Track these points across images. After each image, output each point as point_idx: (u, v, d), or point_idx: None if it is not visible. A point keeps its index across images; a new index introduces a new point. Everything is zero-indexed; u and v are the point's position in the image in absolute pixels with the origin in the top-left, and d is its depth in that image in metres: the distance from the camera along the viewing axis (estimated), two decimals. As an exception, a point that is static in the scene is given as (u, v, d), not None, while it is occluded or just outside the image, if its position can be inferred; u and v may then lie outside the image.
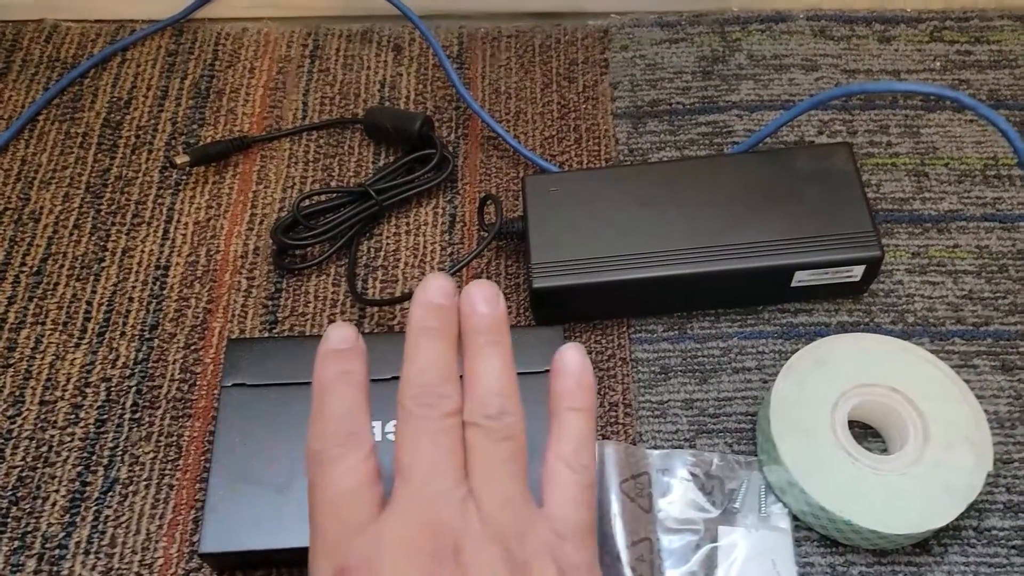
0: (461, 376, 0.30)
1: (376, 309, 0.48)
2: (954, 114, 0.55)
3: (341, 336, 0.30)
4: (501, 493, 0.28)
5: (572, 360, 0.31)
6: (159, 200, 0.52)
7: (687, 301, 0.47)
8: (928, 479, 0.40)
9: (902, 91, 0.44)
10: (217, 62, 0.57)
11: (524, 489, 0.28)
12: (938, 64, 0.57)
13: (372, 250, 0.50)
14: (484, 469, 0.28)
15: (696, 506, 0.42)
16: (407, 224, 0.51)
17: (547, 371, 0.42)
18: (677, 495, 0.42)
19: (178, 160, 0.51)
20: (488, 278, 0.49)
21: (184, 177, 0.53)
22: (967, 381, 0.45)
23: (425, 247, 0.50)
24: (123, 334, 0.47)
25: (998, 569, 0.40)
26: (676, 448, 0.44)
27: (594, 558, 0.29)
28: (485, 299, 0.30)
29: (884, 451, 0.43)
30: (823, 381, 0.42)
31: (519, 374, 0.39)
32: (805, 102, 0.46)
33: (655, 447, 0.44)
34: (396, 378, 0.42)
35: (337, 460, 0.28)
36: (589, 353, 0.46)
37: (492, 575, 0.26)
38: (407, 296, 0.47)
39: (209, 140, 0.54)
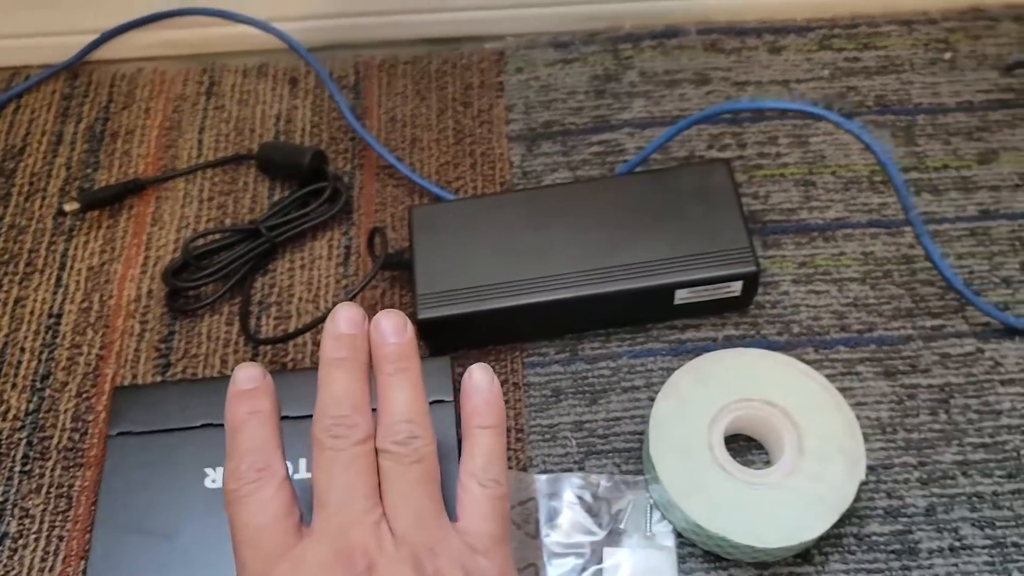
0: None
1: (269, 347, 0.48)
2: (842, 121, 0.55)
3: (248, 376, 0.32)
4: (413, 513, 0.29)
5: (479, 379, 0.33)
6: (52, 247, 0.52)
7: (575, 323, 0.48)
8: (803, 491, 0.40)
9: (763, 109, 0.45)
10: (112, 104, 0.57)
11: (436, 507, 0.30)
12: (827, 72, 0.58)
13: (266, 287, 0.50)
14: (396, 492, 0.30)
15: (582, 529, 0.42)
16: (301, 259, 0.51)
17: (435, 402, 0.43)
18: (564, 519, 0.43)
19: (67, 207, 0.51)
20: (382, 308, 0.50)
21: (78, 222, 0.53)
22: (850, 388, 0.46)
23: (320, 280, 0.51)
24: (14, 385, 0.47)
25: (876, 574, 0.41)
26: (566, 471, 0.44)
27: (506, 568, 0.31)
28: (394, 329, 0.32)
29: (768, 463, 0.44)
30: (703, 398, 0.43)
31: None
32: (679, 123, 0.47)
33: (545, 471, 0.44)
34: (284, 418, 0.43)
35: (252, 495, 0.30)
36: (481, 380, 0.47)
37: None
38: (299, 332, 0.47)
39: (103, 183, 0.54)
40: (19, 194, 0.54)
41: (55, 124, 0.57)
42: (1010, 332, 0.47)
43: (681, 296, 0.46)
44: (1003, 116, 0.55)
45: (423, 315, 0.45)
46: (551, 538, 0.42)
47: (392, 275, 0.51)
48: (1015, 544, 0.41)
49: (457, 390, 0.46)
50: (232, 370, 0.46)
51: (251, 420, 0.31)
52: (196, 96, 0.58)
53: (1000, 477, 0.43)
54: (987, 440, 0.44)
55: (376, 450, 0.31)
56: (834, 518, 0.40)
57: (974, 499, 0.43)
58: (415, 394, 0.31)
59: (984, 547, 0.41)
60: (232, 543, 0.30)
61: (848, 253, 0.51)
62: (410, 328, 0.32)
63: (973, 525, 0.42)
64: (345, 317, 0.32)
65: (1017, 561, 0.41)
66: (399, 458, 0.30)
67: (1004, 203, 0.52)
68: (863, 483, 0.41)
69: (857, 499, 0.42)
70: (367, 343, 0.32)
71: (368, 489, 0.30)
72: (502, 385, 0.47)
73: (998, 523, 0.42)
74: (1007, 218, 0.51)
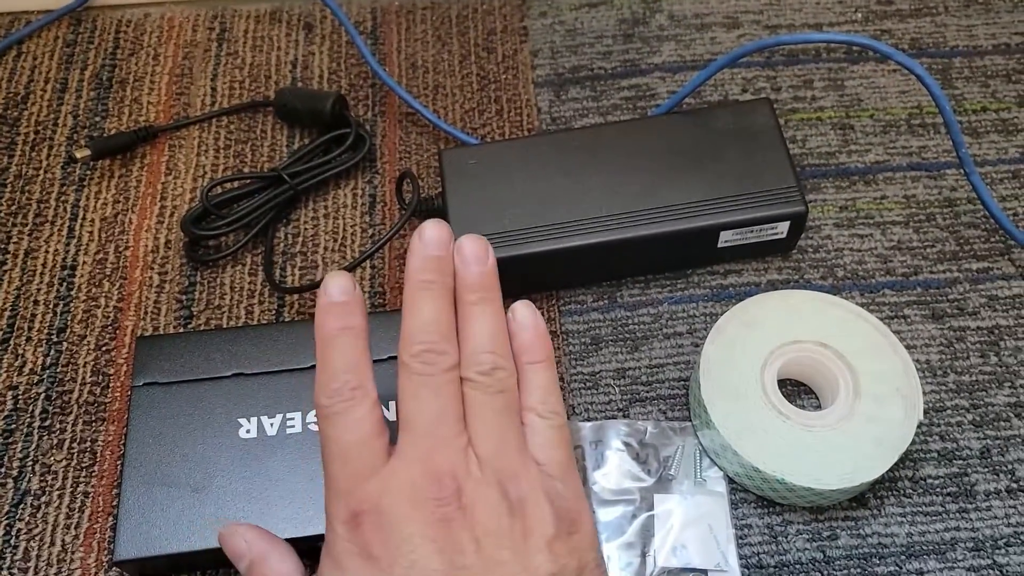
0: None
1: (296, 297, 0.46)
2: (877, 65, 0.54)
3: (340, 287, 0.30)
4: (497, 440, 0.30)
5: (523, 316, 0.32)
6: (62, 197, 0.50)
7: (614, 269, 0.46)
8: (860, 433, 0.39)
9: (818, 42, 0.43)
10: (119, 51, 0.55)
11: (519, 437, 0.30)
12: (859, 15, 0.56)
13: (290, 236, 0.48)
14: (480, 420, 0.30)
15: (631, 476, 0.41)
16: (325, 207, 0.49)
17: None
18: (611, 466, 0.41)
19: (78, 154, 0.49)
20: (411, 258, 0.48)
21: (88, 172, 0.50)
22: (898, 332, 0.45)
23: (345, 230, 0.49)
24: (29, 339, 0.45)
25: (933, 517, 0.40)
26: (610, 419, 0.43)
27: (580, 490, 0.31)
28: (476, 256, 0.31)
29: (817, 407, 0.43)
30: (752, 341, 0.42)
31: None
32: (721, 59, 0.45)
33: (588, 419, 0.43)
34: (312, 367, 0.41)
35: (345, 413, 0.29)
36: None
37: (492, 513, 0.28)
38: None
39: (113, 132, 0.52)
40: (24, 143, 0.51)
41: (59, 71, 0.54)
42: (1058, 273, 0.46)
43: (726, 238, 0.45)
44: (1041, 58, 0.54)
45: (459, 260, 0.43)
46: (599, 485, 0.41)
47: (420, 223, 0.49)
48: (1073, 485, 0.41)
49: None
50: (257, 319, 0.44)
51: (343, 336, 0.30)
52: (207, 42, 0.55)
53: (1055, 418, 0.42)
54: (1039, 382, 0.43)
55: (460, 379, 0.31)
56: (893, 459, 0.38)
57: (1029, 441, 0.42)
58: (498, 325, 0.31)
59: (1042, 488, 0.41)
60: (322, 458, 0.30)
61: (890, 196, 0.49)
62: (492, 255, 0.32)
63: (1030, 467, 0.41)
64: (434, 237, 0.31)
65: (1076, 502, 0.40)
66: (484, 387, 0.30)
67: (1046, 145, 0.51)
68: (917, 426, 0.40)
69: (911, 442, 0.41)
70: (451, 267, 0.31)
71: (455, 415, 0.30)
72: (540, 333, 0.45)
73: (1055, 464, 0.41)
74: (1049, 160, 0.50)
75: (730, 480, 0.41)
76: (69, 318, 0.46)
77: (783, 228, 0.45)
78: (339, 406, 0.29)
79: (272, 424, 0.40)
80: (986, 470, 0.41)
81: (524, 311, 0.32)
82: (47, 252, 0.48)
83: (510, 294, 0.46)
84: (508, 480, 0.29)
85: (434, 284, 0.30)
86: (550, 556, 0.28)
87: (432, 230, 0.31)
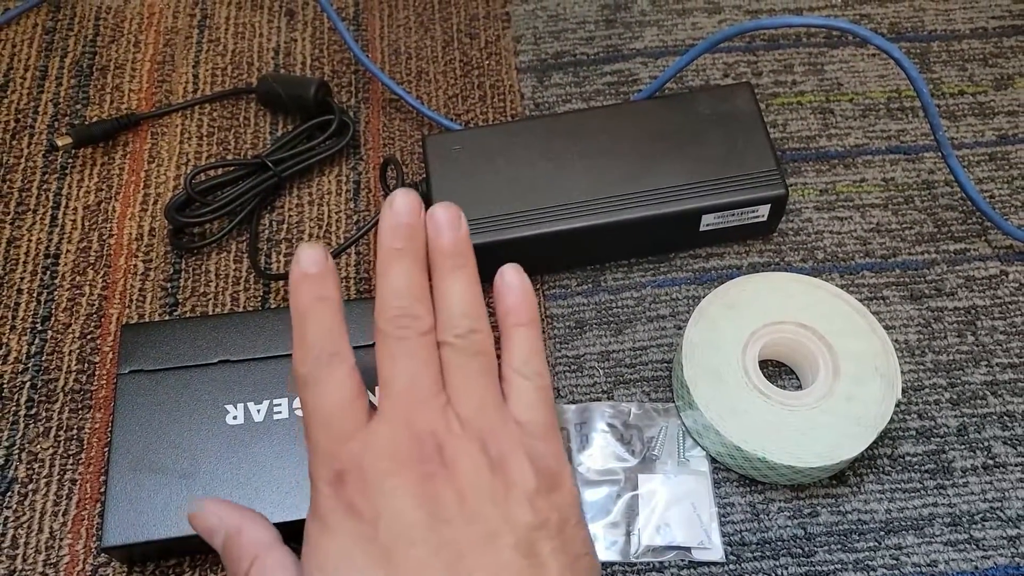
0: None
1: (281, 283, 0.47)
2: (857, 49, 0.55)
3: (311, 258, 0.30)
4: (476, 400, 0.30)
5: (511, 278, 0.32)
6: (44, 186, 0.49)
7: (598, 253, 0.47)
8: (839, 412, 0.40)
9: (798, 26, 0.43)
10: (99, 38, 0.55)
11: (497, 396, 0.31)
12: (839, 0, 0.57)
13: (274, 223, 0.48)
14: (459, 380, 0.30)
15: (615, 456, 0.41)
16: (310, 194, 0.49)
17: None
18: (596, 448, 0.42)
19: (59, 142, 0.48)
20: (396, 244, 0.48)
21: (70, 160, 0.50)
22: (877, 313, 0.46)
23: (330, 216, 0.49)
24: (13, 328, 0.45)
25: (912, 493, 0.41)
26: (594, 401, 0.43)
27: (561, 450, 0.31)
28: (449, 222, 0.31)
29: (798, 387, 0.43)
30: (733, 323, 0.42)
31: None
32: (702, 44, 0.46)
33: (573, 401, 0.43)
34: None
35: (323, 380, 0.30)
36: (503, 312, 0.45)
37: (473, 469, 0.29)
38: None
39: (95, 119, 0.51)
40: (5, 131, 0.51)
41: (39, 59, 0.54)
42: (1033, 254, 0.47)
43: (708, 221, 0.45)
44: (1017, 42, 0.55)
45: (443, 245, 0.43)
46: (584, 466, 0.41)
47: (405, 209, 0.49)
48: (1047, 460, 0.42)
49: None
50: (242, 306, 0.44)
51: (318, 306, 0.30)
52: (188, 29, 0.55)
53: (1029, 396, 0.43)
54: (1015, 360, 0.44)
55: (437, 343, 0.31)
56: (872, 437, 0.39)
57: (1005, 418, 0.43)
58: (473, 289, 0.31)
59: (1017, 465, 0.41)
60: (304, 427, 0.30)
61: (869, 179, 0.50)
62: (464, 221, 0.32)
63: (1005, 443, 0.42)
64: (404, 205, 0.31)
65: (1049, 477, 0.41)
66: (460, 350, 0.30)
67: (1022, 128, 0.51)
68: (895, 405, 0.40)
69: (890, 420, 0.42)
70: (423, 233, 0.31)
71: (433, 376, 0.30)
72: (525, 317, 0.45)
73: (1029, 440, 0.42)
74: (1025, 142, 0.51)
75: (713, 460, 0.42)
76: (53, 306, 0.46)
77: (764, 211, 0.45)
78: (317, 373, 0.30)
79: (259, 410, 0.40)
80: (963, 447, 0.42)
81: (512, 273, 0.33)
82: (30, 241, 0.48)
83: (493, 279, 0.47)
84: (489, 438, 0.29)
85: (405, 250, 0.31)
86: (531, 509, 0.29)
87: (402, 198, 0.31)
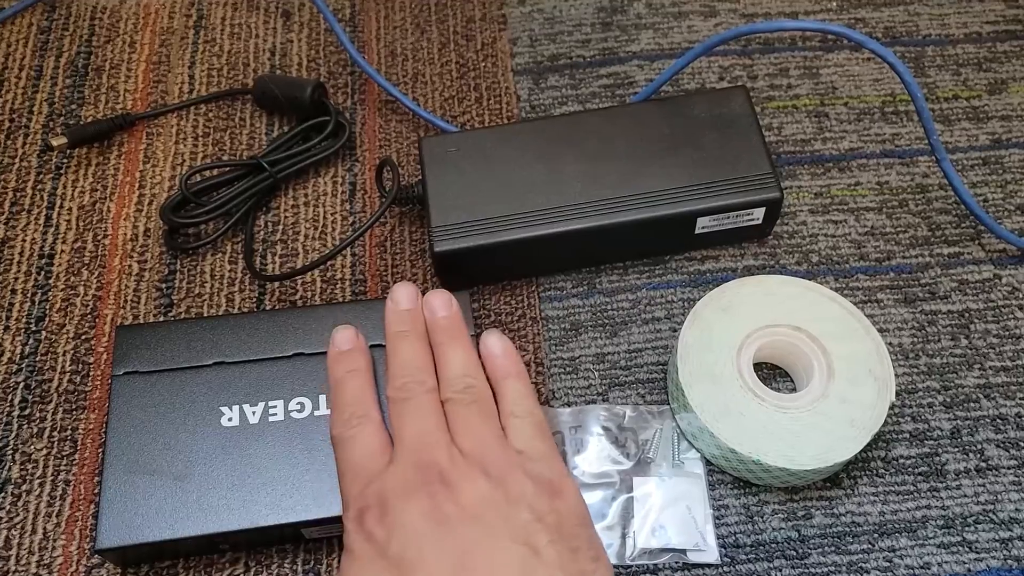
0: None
1: (276, 285, 0.47)
2: (852, 53, 0.55)
3: (345, 338, 0.38)
4: (476, 435, 0.34)
5: (493, 343, 0.38)
6: (39, 186, 0.49)
7: (593, 255, 0.47)
8: (833, 414, 0.40)
9: (793, 29, 0.44)
10: (94, 38, 0.54)
11: (496, 431, 0.35)
12: (834, 4, 0.57)
13: (270, 224, 0.48)
14: (460, 424, 0.34)
15: (611, 459, 0.42)
16: (305, 195, 0.49)
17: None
18: (591, 451, 0.42)
19: (54, 142, 0.48)
20: (392, 245, 0.48)
21: (65, 160, 0.50)
22: (871, 316, 0.46)
23: (325, 218, 0.49)
24: (7, 328, 0.45)
25: (905, 496, 0.41)
26: (590, 403, 0.43)
27: (563, 468, 0.34)
28: (442, 305, 0.38)
29: (792, 390, 0.43)
30: (728, 325, 0.42)
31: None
32: (698, 47, 0.46)
33: (568, 403, 0.43)
34: (299, 355, 0.41)
35: (354, 438, 0.35)
36: (499, 314, 0.46)
37: (475, 487, 0.32)
38: (307, 268, 0.45)
39: (90, 119, 0.51)
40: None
41: (34, 58, 0.54)
42: (1026, 258, 0.47)
43: (703, 224, 0.45)
44: (1011, 47, 0.55)
45: (439, 248, 0.44)
46: (579, 469, 0.41)
47: (401, 211, 0.49)
48: (1039, 463, 0.42)
49: (477, 323, 0.45)
50: (238, 307, 0.45)
51: (350, 377, 0.36)
52: (184, 30, 0.55)
53: (1022, 399, 0.43)
54: (1008, 363, 0.44)
55: (441, 402, 0.35)
56: (866, 439, 0.39)
57: (997, 421, 0.43)
58: (468, 353, 0.37)
59: (1010, 467, 0.42)
60: (339, 479, 0.34)
61: (864, 183, 0.50)
62: (455, 303, 0.38)
63: (998, 446, 0.42)
64: (404, 295, 0.38)
65: (1042, 480, 0.41)
66: (460, 402, 0.35)
67: (1016, 132, 0.52)
68: (889, 407, 0.40)
69: (884, 423, 0.42)
70: (422, 315, 0.38)
71: (438, 424, 0.34)
72: (519, 320, 0.46)
73: (1022, 444, 0.42)
74: (1019, 147, 0.51)
75: (707, 462, 0.42)
76: (47, 307, 0.45)
77: (759, 214, 0.45)
78: (349, 432, 0.34)
79: (254, 412, 0.40)
80: (956, 450, 0.42)
81: (494, 339, 0.38)
82: (24, 241, 0.47)
83: (491, 280, 0.47)
84: (489, 463, 0.33)
85: (408, 332, 0.37)
86: (529, 510, 0.31)
87: (402, 291, 0.38)
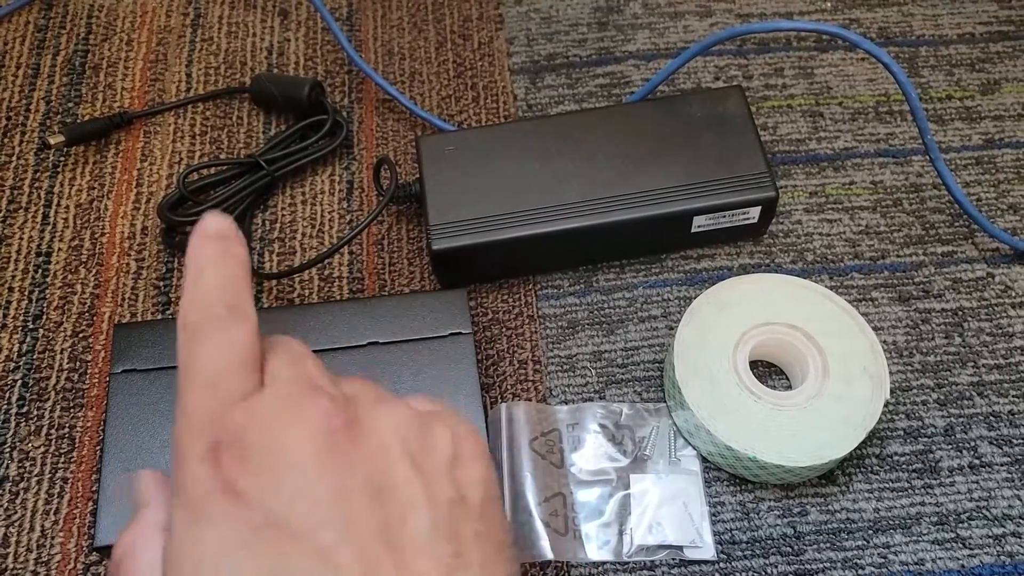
0: None
1: (274, 283, 0.47)
2: (846, 53, 0.55)
3: (219, 224, 0.25)
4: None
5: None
6: (36, 184, 0.49)
7: (590, 253, 0.47)
8: (829, 412, 0.40)
9: (788, 30, 0.44)
10: (91, 36, 0.54)
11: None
12: (829, 4, 0.57)
13: (267, 222, 0.49)
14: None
15: (607, 457, 0.42)
16: (303, 194, 0.50)
17: (453, 334, 0.42)
18: (588, 448, 0.42)
19: (52, 140, 0.48)
20: (389, 243, 0.48)
21: (63, 158, 0.50)
22: (865, 314, 0.46)
23: (323, 216, 0.49)
24: (4, 326, 0.45)
25: (900, 493, 0.41)
26: (587, 400, 0.44)
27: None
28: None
29: (788, 387, 0.44)
30: (724, 324, 0.43)
31: (426, 339, 0.42)
32: (694, 47, 0.46)
33: (565, 401, 0.44)
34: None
35: (218, 332, 0.24)
36: (496, 312, 0.46)
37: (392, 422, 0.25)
38: (305, 266, 0.45)
39: (87, 118, 0.51)
40: (-4, 129, 0.51)
41: (31, 56, 0.54)
42: (1019, 257, 0.48)
43: (699, 223, 0.45)
44: (1004, 48, 0.55)
45: (437, 246, 0.44)
46: (576, 466, 0.41)
47: (398, 209, 0.49)
48: (1032, 460, 0.42)
49: (474, 321, 0.45)
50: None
51: (222, 257, 0.25)
52: (182, 28, 0.55)
53: (1015, 396, 0.44)
54: (1001, 361, 0.45)
55: None
56: (861, 436, 0.40)
57: (991, 418, 0.43)
58: None
59: (1003, 464, 0.42)
60: (179, 385, 0.24)
61: (858, 182, 0.50)
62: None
63: (991, 443, 0.43)
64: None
65: (1034, 476, 0.42)
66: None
67: (1008, 132, 0.52)
68: (883, 405, 0.41)
69: (878, 420, 0.42)
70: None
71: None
72: (516, 318, 0.46)
73: (1015, 441, 0.43)
74: (1011, 147, 0.52)
75: (704, 459, 0.42)
76: (45, 305, 0.45)
77: (754, 213, 0.46)
78: (211, 323, 0.24)
79: (252, 409, 0.40)
80: (950, 447, 0.42)
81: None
82: (21, 239, 0.47)
83: (488, 279, 0.47)
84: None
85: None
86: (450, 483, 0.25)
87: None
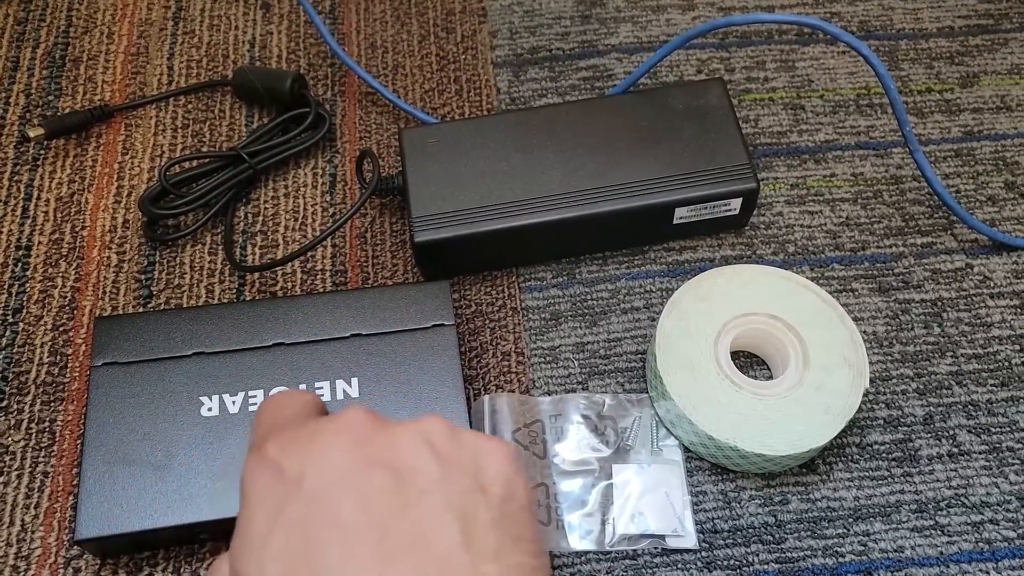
0: None
1: (256, 276, 0.47)
2: (827, 47, 0.55)
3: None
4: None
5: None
6: (16, 177, 0.49)
7: (573, 245, 0.47)
8: (809, 401, 0.41)
9: (769, 22, 0.44)
10: (72, 28, 0.54)
11: None
12: (810, -2, 0.58)
13: (249, 215, 0.48)
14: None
15: (590, 447, 0.42)
16: (286, 187, 0.49)
17: (436, 326, 0.42)
18: (571, 439, 0.42)
19: (31, 133, 0.48)
20: (372, 236, 0.48)
21: (42, 151, 0.50)
22: (846, 305, 0.46)
23: (306, 209, 0.49)
24: (-16, 320, 0.45)
25: (879, 481, 0.42)
26: (570, 391, 0.44)
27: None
28: None
29: (769, 377, 0.44)
30: (706, 314, 0.43)
31: (409, 330, 0.42)
32: (675, 40, 0.46)
33: (548, 392, 0.44)
34: (278, 345, 0.41)
35: (283, 396, 0.29)
36: (479, 304, 0.46)
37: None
38: (287, 259, 0.45)
39: (67, 111, 0.51)
40: (-25, 122, 0.51)
41: (10, 49, 0.53)
42: (997, 248, 0.48)
43: (681, 215, 0.46)
44: (983, 41, 0.56)
45: (420, 238, 0.44)
46: (559, 457, 0.42)
47: (381, 202, 0.49)
48: (1010, 448, 0.42)
49: (457, 313, 0.45)
50: (217, 298, 0.44)
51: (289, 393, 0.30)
52: (163, 21, 0.55)
53: (993, 386, 0.44)
54: (979, 351, 0.45)
55: None
56: (841, 425, 0.40)
57: (969, 407, 0.44)
58: None
59: (981, 452, 0.42)
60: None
61: (839, 174, 0.51)
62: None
63: (969, 432, 0.43)
64: None
65: (1012, 464, 0.42)
66: None
67: (987, 125, 0.53)
68: (863, 394, 0.41)
69: (858, 410, 0.42)
70: None
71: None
72: (499, 310, 0.46)
73: (993, 429, 0.43)
74: (990, 139, 0.52)
75: (685, 449, 0.42)
76: (25, 298, 0.45)
77: (736, 205, 0.46)
78: (277, 398, 0.29)
79: (234, 402, 0.40)
80: (929, 436, 0.43)
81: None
82: (1, 232, 0.47)
83: (471, 271, 0.47)
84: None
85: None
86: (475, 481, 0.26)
87: None
